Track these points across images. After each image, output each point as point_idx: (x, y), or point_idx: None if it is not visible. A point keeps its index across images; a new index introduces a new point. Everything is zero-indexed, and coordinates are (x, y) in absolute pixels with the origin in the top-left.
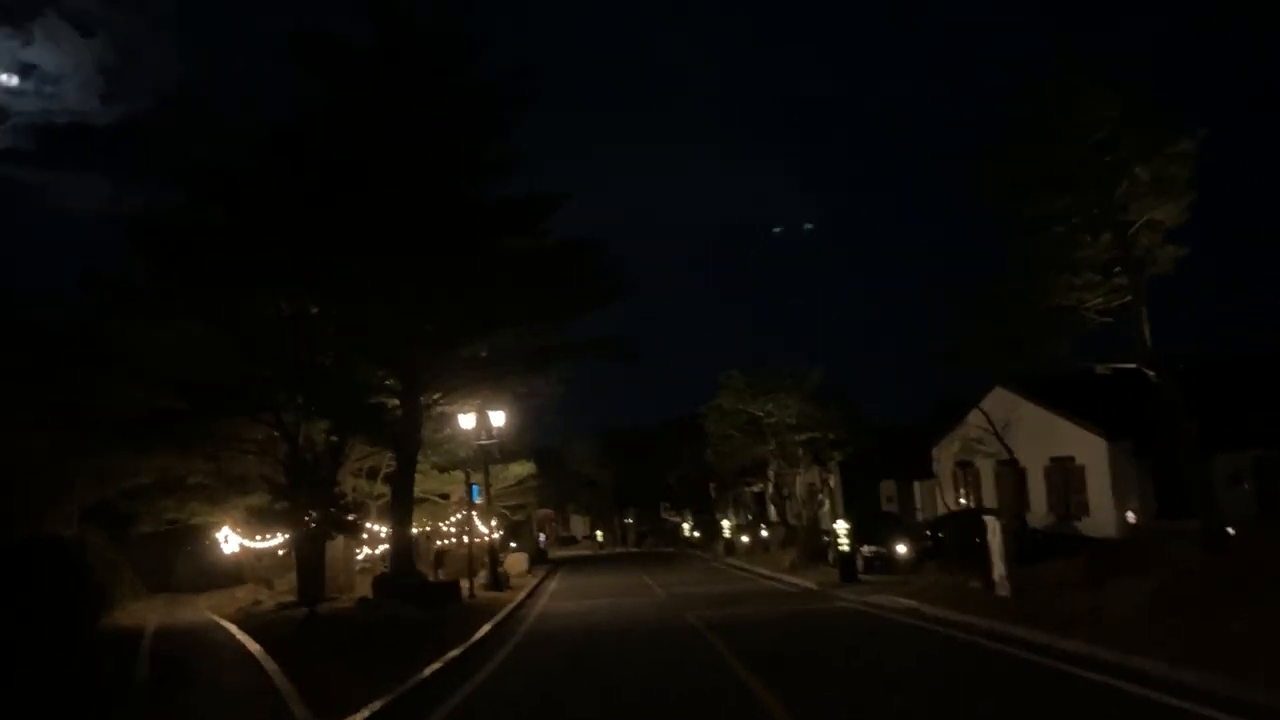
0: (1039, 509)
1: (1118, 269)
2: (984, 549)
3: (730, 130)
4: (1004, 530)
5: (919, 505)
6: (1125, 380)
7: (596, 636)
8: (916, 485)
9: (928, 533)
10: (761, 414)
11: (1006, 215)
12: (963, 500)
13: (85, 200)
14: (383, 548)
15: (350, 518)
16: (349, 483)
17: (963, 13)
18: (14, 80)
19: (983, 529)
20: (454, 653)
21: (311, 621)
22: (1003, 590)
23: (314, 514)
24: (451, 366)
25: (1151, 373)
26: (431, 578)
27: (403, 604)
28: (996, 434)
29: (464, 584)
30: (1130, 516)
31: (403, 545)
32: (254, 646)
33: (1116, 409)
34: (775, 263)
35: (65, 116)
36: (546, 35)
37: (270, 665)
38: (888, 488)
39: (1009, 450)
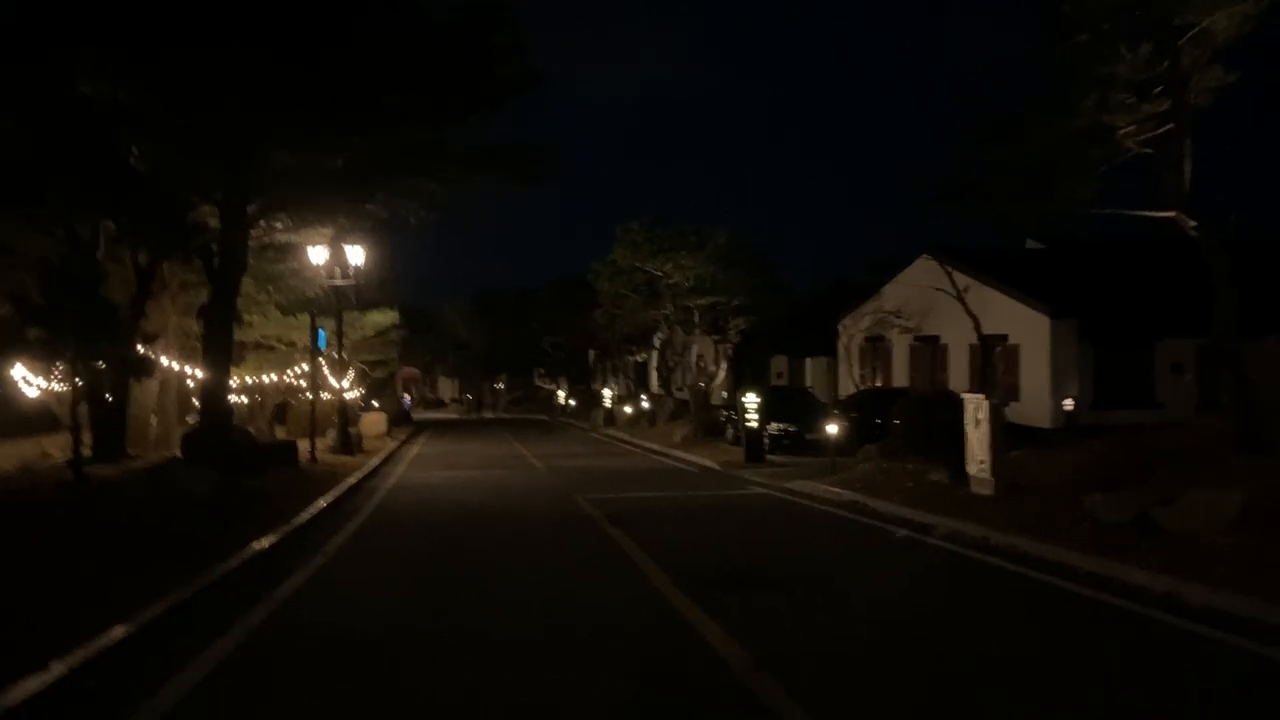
0: (959, 390)
1: (1158, 89)
2: (952, 434)
3: None
4: (993, 412)
5: (810, 382)
6: (1063, 257)
7: (461, 526)
8: (809, 361)
9: (835, 411)
10: (660, 274)
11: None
12: (875, 381)
13: None
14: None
15: (148, 355)
16: (171, 320)
17: None
18: None
19: (953, 410)
20: (262, 543)
21: (77, 490)
22: (983, 488)
23: (96, 350)
24: (294, 176)
25: (1192, 223)
26: (270, 437)
27: (214, 469)
28: (960, 298)
29: (305, 446)
30: (1068, 404)
31: (217, 396)
32: None
33: (1057, 286)
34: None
35: None
36: None
37: None
38: (778, 363)
39: (975, 318)
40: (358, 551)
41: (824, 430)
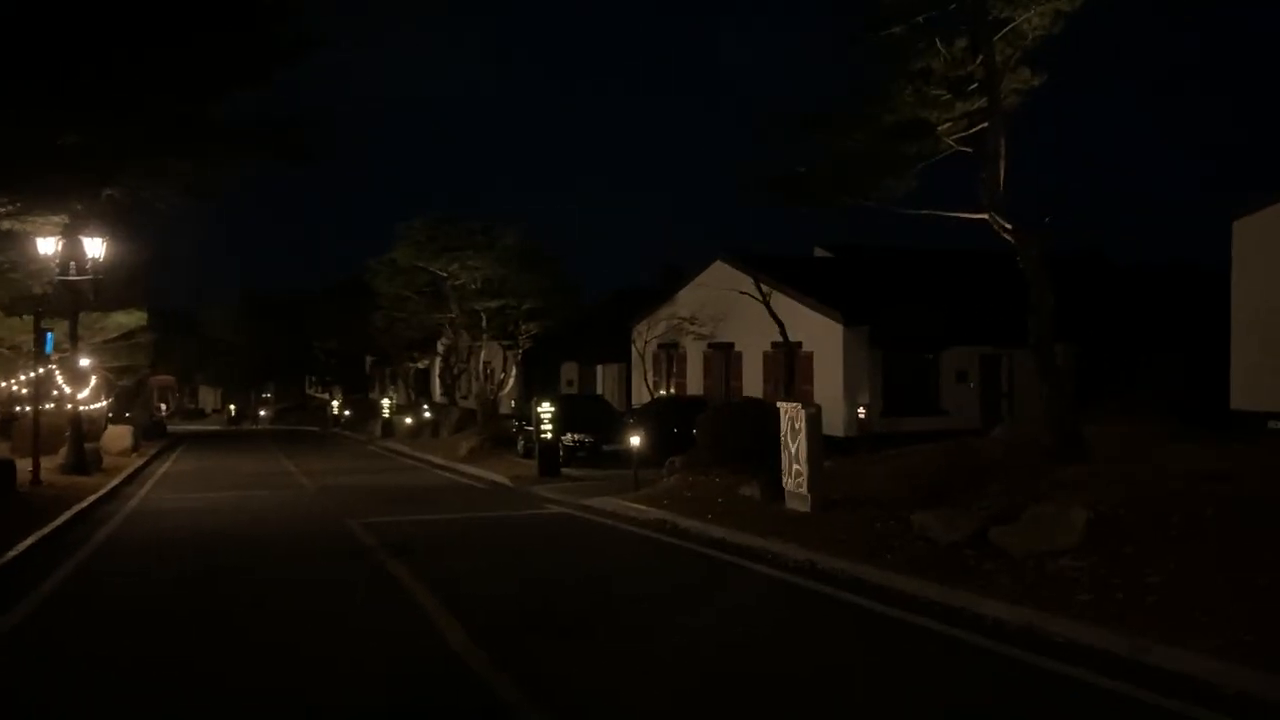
0: (752, 398)
1: (973, 87)
2: (764, 445)
3: None
4: (811, 422)
5: (601, 390)
6: (852, 265)
7: (205, 565)
8: (600, 368)
9: (630, 420)
10: (445, 274)
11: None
12: (670, 388)
13: None
14: None
15: None
16: None
17: None
18: None
19: (763, 419)
20: None
21: None
22: (800, 504)
23: None
24: (6, 151)
25: (1008, 226)
26: None
27: None
28: (766, 303)
29: (28, 465)
30: (861, 412)
31: None
32: None
33: (848, 294)
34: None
35: None
36: None
37: None
38: (569, 370)
39: (780, 323)
40: (66, 605)
41: (622, 441)
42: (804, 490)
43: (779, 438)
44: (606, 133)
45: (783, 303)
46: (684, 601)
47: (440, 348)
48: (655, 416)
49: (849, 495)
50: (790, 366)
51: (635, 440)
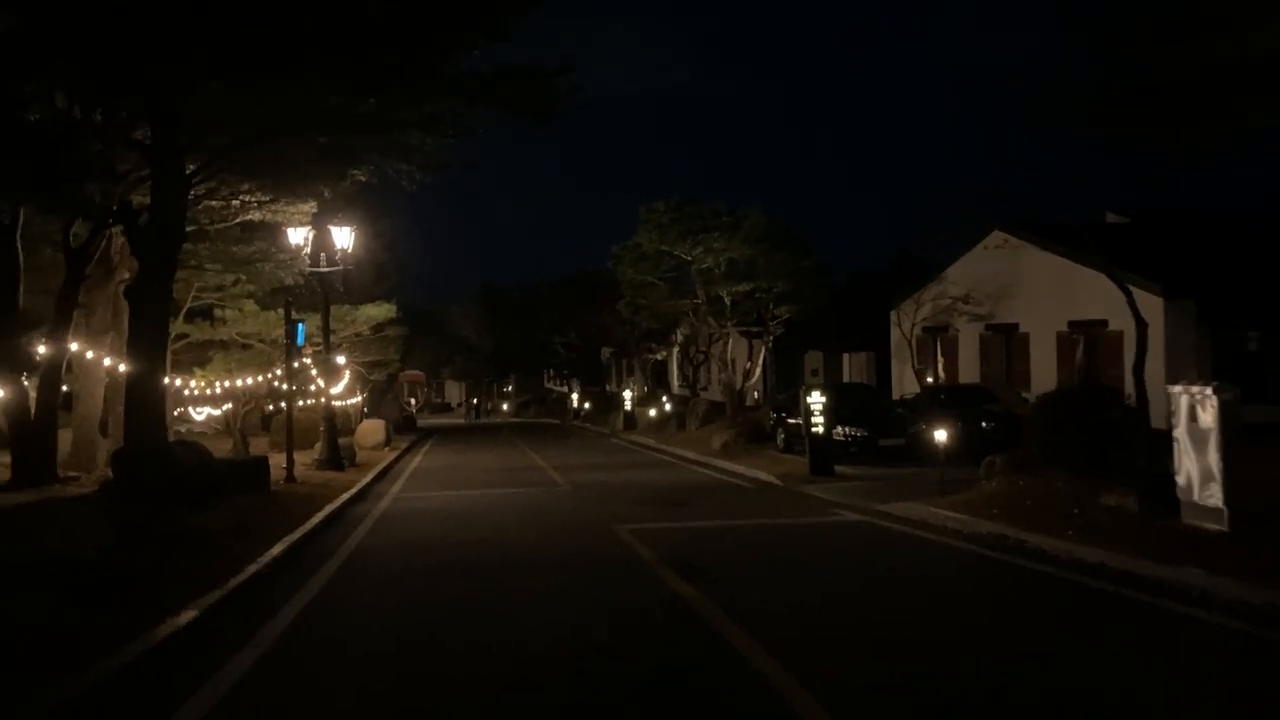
0: (1043, 387)
1: None
2: (1108, 443)
3: None
4: (1227, 411)
5: (848, 378)
6: (1155, 230)
7: (460, 588)
8: (847, 357)
9: (900, 410)
10: (689, 258)
11: None
12: (936, 377)
13: None
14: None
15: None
16: (125, 314)
17: None
18: None
19: (1106, 409)
20: (166, 628)
21: None
22: (1210, 520)
23: None
24: (250, 127)
25: None
26: (244, 452)
27: (140, 499)
28: (1109, 271)
29: (281, 461)
30: None
31: (149, 401)
32: None
33: (1162, 263)
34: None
35: None
36: None
37: None
38: (813, 359)
39: (1128, 293)
40: (303, 649)
41: (903, 435)
42: (1217, 502)
43: (1120, 431)
44: (826, 115)
45: (1079, 276)
46: (1126, 671)
47: (679, 337)
48: (941, 408)
49: (1266, 508)
50: (1142, 346)
51: (941, 435)
